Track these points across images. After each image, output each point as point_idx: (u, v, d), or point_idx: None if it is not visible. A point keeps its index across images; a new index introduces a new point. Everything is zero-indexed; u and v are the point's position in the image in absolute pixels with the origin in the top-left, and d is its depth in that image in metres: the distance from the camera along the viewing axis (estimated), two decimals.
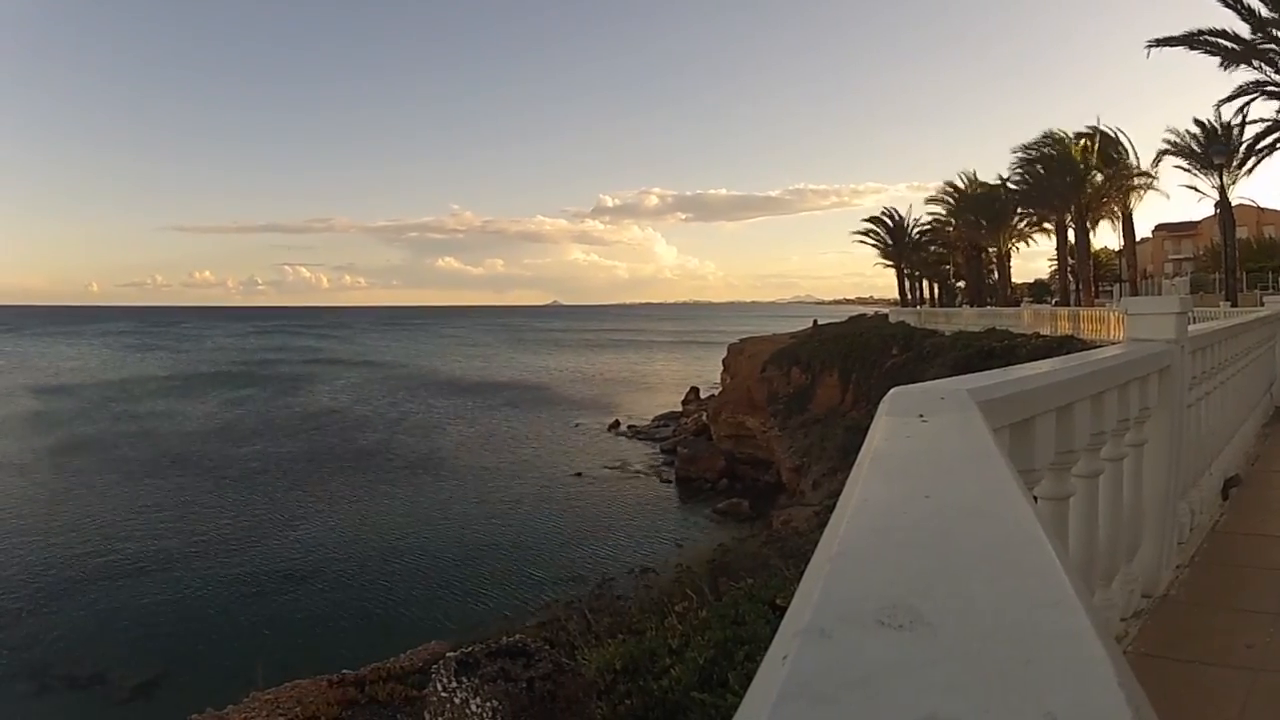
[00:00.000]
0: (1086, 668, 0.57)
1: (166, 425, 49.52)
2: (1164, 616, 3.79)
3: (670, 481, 36.69)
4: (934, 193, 54.84)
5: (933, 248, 60.26)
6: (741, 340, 50.75)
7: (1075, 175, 37.91)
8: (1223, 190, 30.73)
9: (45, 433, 46.34)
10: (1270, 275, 41.99)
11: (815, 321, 54.86)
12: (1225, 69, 25.89)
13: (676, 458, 38.78)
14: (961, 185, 51.62)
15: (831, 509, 1.08)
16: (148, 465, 37.93)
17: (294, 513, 30.26)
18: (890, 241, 60.58)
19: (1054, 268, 57.24)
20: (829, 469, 26.80)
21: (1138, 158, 37.85)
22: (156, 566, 24.13)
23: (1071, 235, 41.05)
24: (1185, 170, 33.67)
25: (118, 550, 25.47)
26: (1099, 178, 38.09)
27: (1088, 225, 40.06)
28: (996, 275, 52.76)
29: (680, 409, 53.60)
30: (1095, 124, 38.38)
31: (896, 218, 60.42)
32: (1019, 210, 46.72)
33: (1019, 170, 42.51)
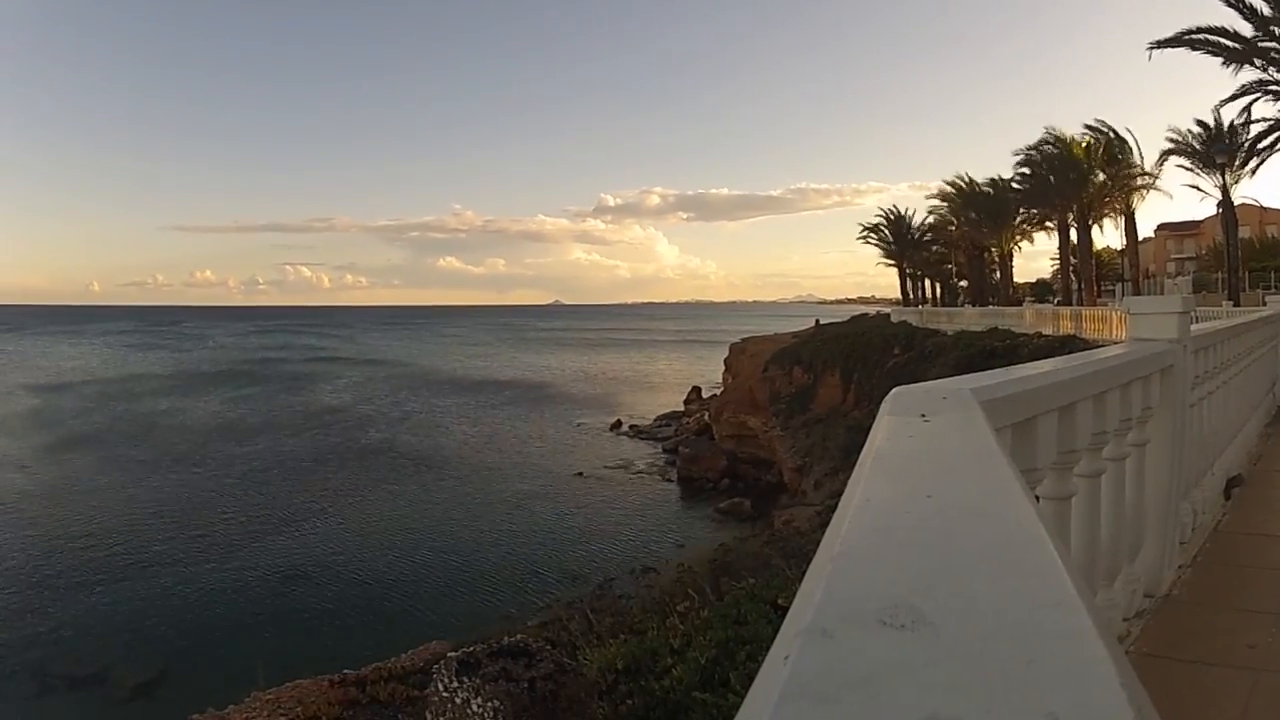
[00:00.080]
0: (1088, 668, 0.57)
1: (168, 424, 49.59)
2: (1166, 616, 3.79)
3: (672, 481, 36.71)
4: (936, 192, 54.86)
5: (935, 247, 60.23)
6: (743, 340, 50.71)
7: (1078, 174, 37.89)
8: (1225, 190, 30.68)
9: (47, 431, 46.42)
10: (1273, 275, 41.90)
11: (817, 321, 54.86)
12: (1227, 67, 25.85)
13: (678, 457, 38.79)
14: (963, 184, 51.58)
15: (833, 509, 1.08)
16: (149, 464, 37.98)
17: (295, 511, 30.29)
18: (892, 241, 60.53)
19: (1056, 267, 57.24)
20: (831, 469, 26.79)
21: (1142, 157, 37.87)
22: (157, 565, 24.16)
23: (1074, 234, 41.04)
24: (1188, 170, 33.68)
25: (119, 548, 25.51)
26: (1101, 177, 38.06)
27: (1090, 224, 40.02)
28: (999, 275, 52.72)
29: (682, 408, 53.61)
30: (1099, 122, 38.40)
31: (896, 214, 60.43)
32: (1021, 209, 46.72)
33: (1021, 169, 42.52)
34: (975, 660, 0.60)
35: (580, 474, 37.17)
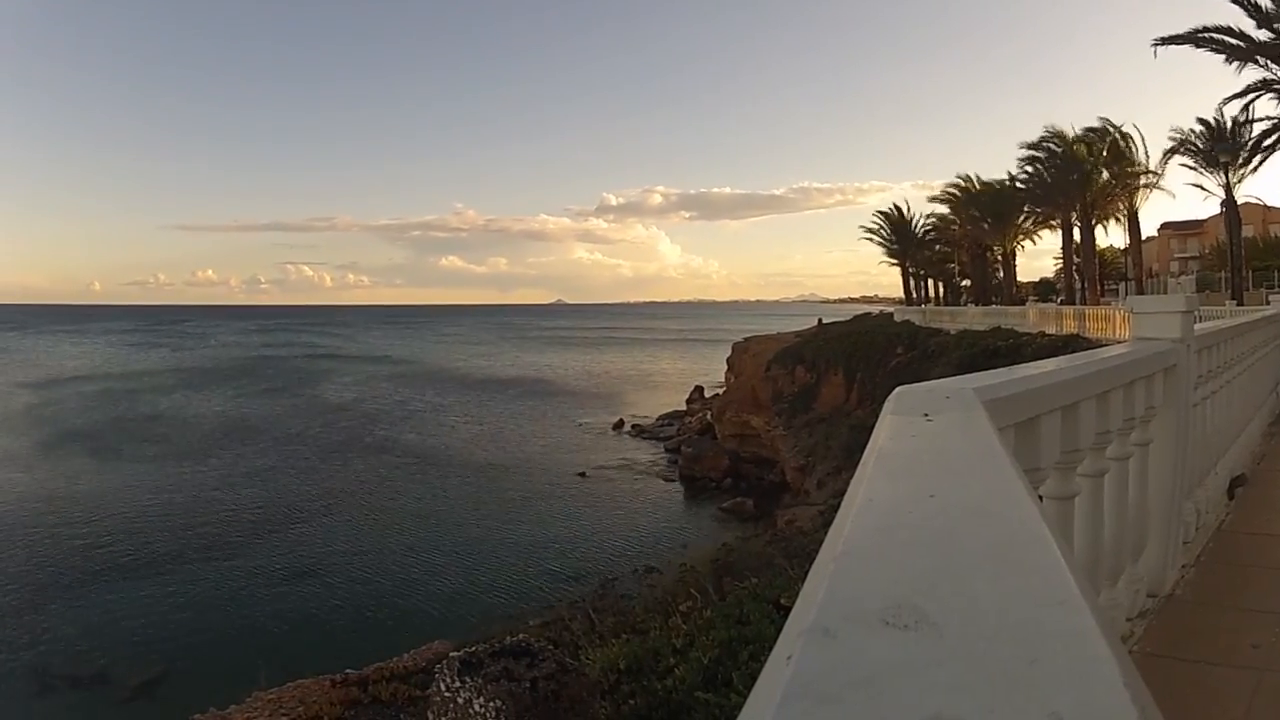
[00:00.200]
0: (1091, 668, 0.57)
1: (171, 422, 49.69)
2: (1169, 616, 3.78)
3: (674, 481, 36.72)
4: (939, 191, 54.81)
5: (938, 246, 60.19)
6: (746, 339, 50.72)
7: (1081, 173, 37.83)
8: (1229, 188, 30.63)
9: (51, 430, 46.52)
10: (1276, 274, 41.73)
11: (820, 320, 54.85)
12: (1231, 64, 25.82)
13: (681, 457, 38.82)
14: (966, 184, 51.53)
15: (836, 508, 1.08)
16: (152, 462, 38.07)
17: (297, 510, 30.35)
18: (895, 240, 60.49)
19: (1059, 266, 57.23)
20: (833, 468, 26.79)
21: (1148, 155, 37.81)
22: (159, 564, 24.22)
23: (1077, 233, 40.99)
24: (1191, 168, 33.59)
25: (121, 547, 25.58)
26: (1105, 176, 38.00)
27: (1093, 223, 39.96)
28: (1002, 274, 52.65)
29: (685, 408, 53.64)
30: (1104, 120, 38.34)
31: (899, 213, 60.35)
32: (1024, 208, 46.67)
33: (1025, 168, 42.47)
34: (978, 660, 0.60)
35: (583, 473, 37.19)
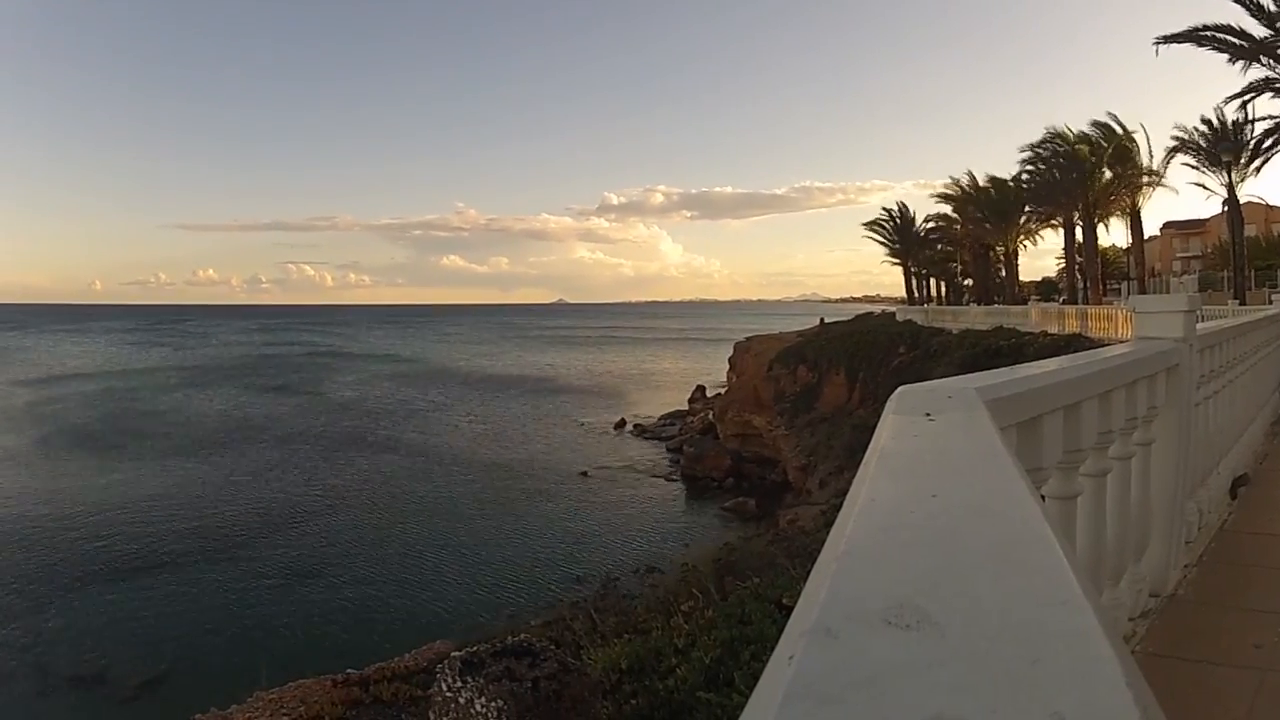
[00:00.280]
0: (1094, 668, 0.57)
1: (173, 421, 49.72)
2: (1172, 616, 3.77)
3: (676, 480, 36.71)
4: (940, 190, 54.75)
5: (940, 245, 60.14)
6: (748, 339, 50.72)
7: (1083, 172, 37.77)
8: (1231, 188, 30.59)
9: (52, 428, 46.56)
10: (1278, 273, 41.74)
11: (822, 320, 54.81)
12: (1233, 63, 25.79)
13: (683, 456, 38.81)
14: (968, 183, 51.50)
15: (838, 508, 1.07)
16: (154, 461, 38.10)
17: (298, 509, 30.37)
18: (897, 239, 60.48)
19: (1061, 266, 57.14)
20: (835, 468, 26.79)
21: (1151, 154, 37.76)
22: (161, 563, 24.24)
23: (1079, 233, 40.90)
24: (1193, 167, 33.52)
25: (122, 546, 25.60)
26: (1107, 175, 37.95)
27: (1096, 222, 39.91)
28: (1004, 273, 52.58)
29: (686, 407, 53.63)
30: (1110, 116, 38.28)
31: (901, 212, 60.34)
32: (1027, 208, 46.61)
33: (1027, 167, 42.42)
34: (980, 660, 0.59)
35: (584, 473, 37.20)
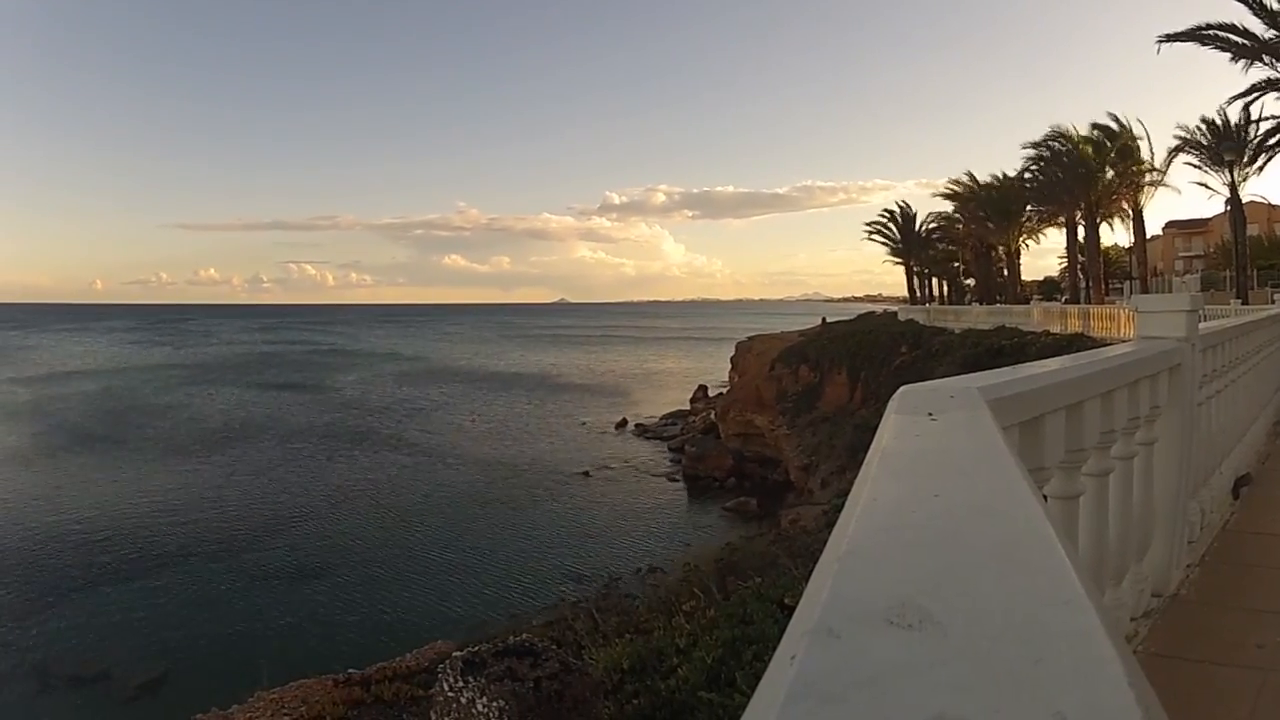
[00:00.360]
0: (1096, 667, 0.57)
1: (175, 420, 49.78)
2: (1174, 616, 3.77)
3: (678, 480, 36.71)
4: (942, 189, 54.69)
5: (942, 245, 60.07)
6: (749, 338, 50.72)
7: (1086, 171, 37.73)
8: (1233, 187, 30.56)
9: (54, 427, 46.62)
10: None
11: (824, 319, 54.81)
12: (1235, 62, 25.74)
13: (684, 456, 38.79)
14: (970, 182, 51.41)
15: (840, 508, 1.07)
16: (155, 460, 38.16)
17: (299, 509, 30.39)
18: (899, 238, 60.40)
19: (1064, 265, 57.03)
20: (837, 467, 26.79)
21: (1153, 153, 37.71)
22: (162, 563, 24.26)
23: (1082, 232, 40.86)
24: (1196, 167, 33.48)
25: (124, 545, 25.63)
26: (1110, 174, 37.91)
27: (1098, 222, 39.87)
28: (1006, 273, 52.53)
29: (688, 407, 53.64)
30: (1111, 115, 38.22)
31: (903, 212, 60.25)
32: (1029, 206, 46.57)
33: (1029, 166, 42.35)
34: (983, 660, 0.59)
35: (586, 473, 37.21)
